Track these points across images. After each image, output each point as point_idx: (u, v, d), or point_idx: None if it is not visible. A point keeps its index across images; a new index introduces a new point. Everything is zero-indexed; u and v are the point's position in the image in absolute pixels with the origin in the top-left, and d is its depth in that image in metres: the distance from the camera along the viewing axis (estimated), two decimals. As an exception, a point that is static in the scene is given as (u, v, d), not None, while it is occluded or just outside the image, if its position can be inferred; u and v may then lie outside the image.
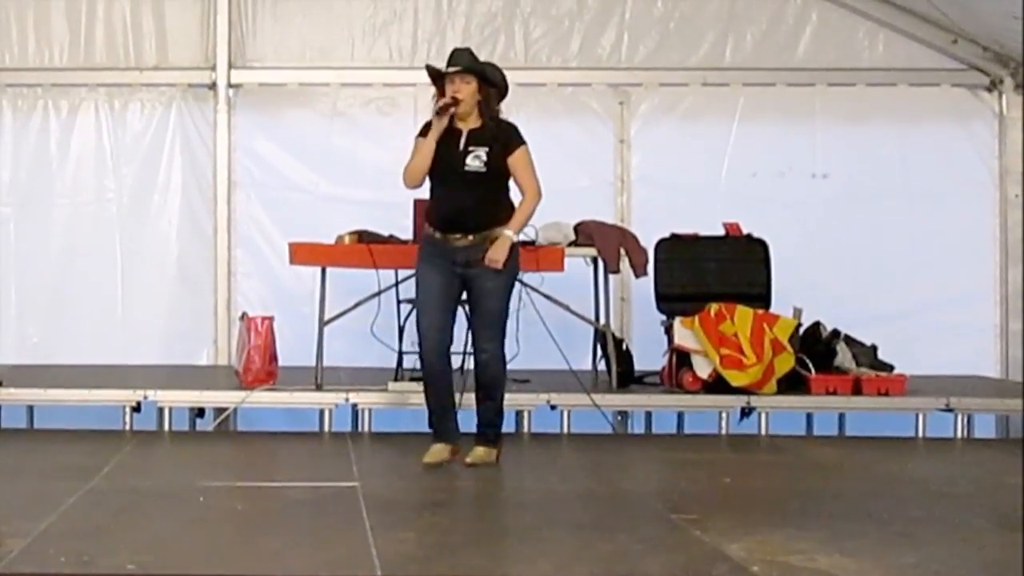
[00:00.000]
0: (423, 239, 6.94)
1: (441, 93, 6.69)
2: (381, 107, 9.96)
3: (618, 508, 6.13)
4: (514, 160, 6.73)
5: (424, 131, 6.77)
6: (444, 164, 6.70)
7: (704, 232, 8.93)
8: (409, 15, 9.97)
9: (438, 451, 6.78)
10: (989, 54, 9.93)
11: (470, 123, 6.74)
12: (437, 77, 6.74)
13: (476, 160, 6.68)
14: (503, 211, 6.78)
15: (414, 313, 7.04)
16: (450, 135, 6.69)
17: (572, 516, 5.75)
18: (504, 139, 6.73)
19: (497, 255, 6.69)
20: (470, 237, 6.72)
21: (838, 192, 9.96)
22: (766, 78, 10.00)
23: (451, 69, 6.68)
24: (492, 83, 6.76)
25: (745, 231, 8.91)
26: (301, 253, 8.44)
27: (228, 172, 9.85)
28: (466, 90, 6.66)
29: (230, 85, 9.85)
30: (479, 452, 6.87)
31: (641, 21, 10.00)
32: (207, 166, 9.87)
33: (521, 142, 6.76)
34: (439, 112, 6.65)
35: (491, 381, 6.86)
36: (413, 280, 7.05)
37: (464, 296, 6.89)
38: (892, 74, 10.03)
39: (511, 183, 6.82)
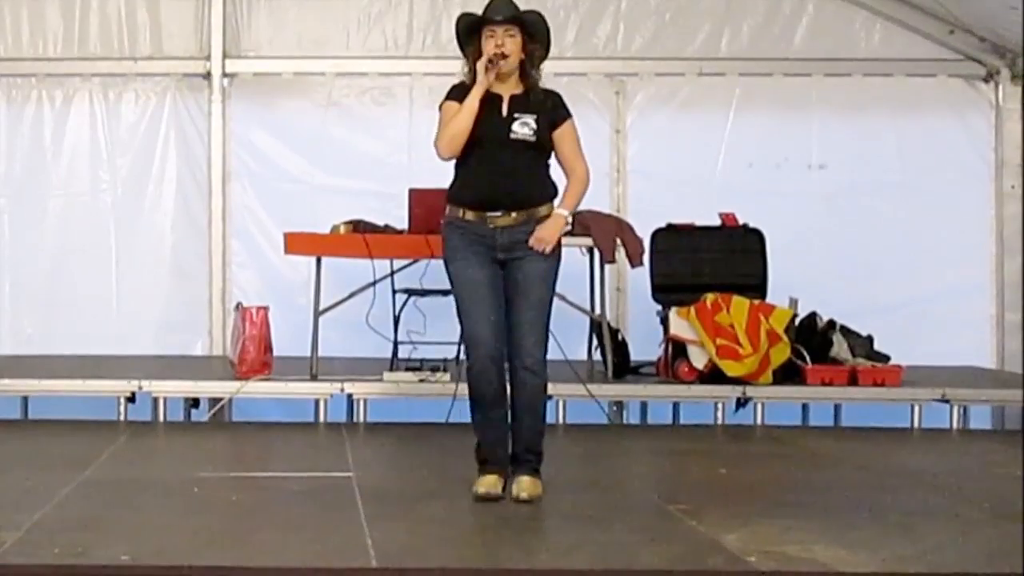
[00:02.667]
0: (449, 225, 5.82)
1: (477, 52, 5.74)
2: (376, 97, 9.94)
3: (614, 499, 6.11)
4: (561, 134, 5.82)
5: (453, 95, 5.81)
6: (485, 131, 5.71)
7: (700, 222, 8.92)
8: (404, 5, 9.94)
9: (493, 482, 5.73)
10: (986, 45, 9.90)
11: (510, 86, 5.80)
12: (470, 31, 5.80)
13: (524, 127, 5.73)
14: (548, 189, 5.82)
15: (461, 317, 5.78)
16: (487, 100, 5.72)
17: (568, 507, 5.73)
18: (552, 109, 5.81)
19: (547, 234, 5.72)
20: (513, 215, 5.71)
21: (834, 183, 9.94)
22: (762, 68, 9.97)
23: (497, 18, 5.73)
24: (537, 39, 5.82)
25: (741, 221, 8.91)
26: (296, 243, 8.43)
27: (223, 162, 9.82)
28: (511, 44, 5.72)
29: (225, 75, 9.81)
30: (528, 484, 5.73)
31: (637, 11, 9.96)
32: (202, 156, 9.85)
33: (569, 114, 5.87)
34: (488, 65, 5.68)
35: (538, 395, 5.79)
36: (448, 275, 5.85)
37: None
38: (889, 64, 10.00)
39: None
